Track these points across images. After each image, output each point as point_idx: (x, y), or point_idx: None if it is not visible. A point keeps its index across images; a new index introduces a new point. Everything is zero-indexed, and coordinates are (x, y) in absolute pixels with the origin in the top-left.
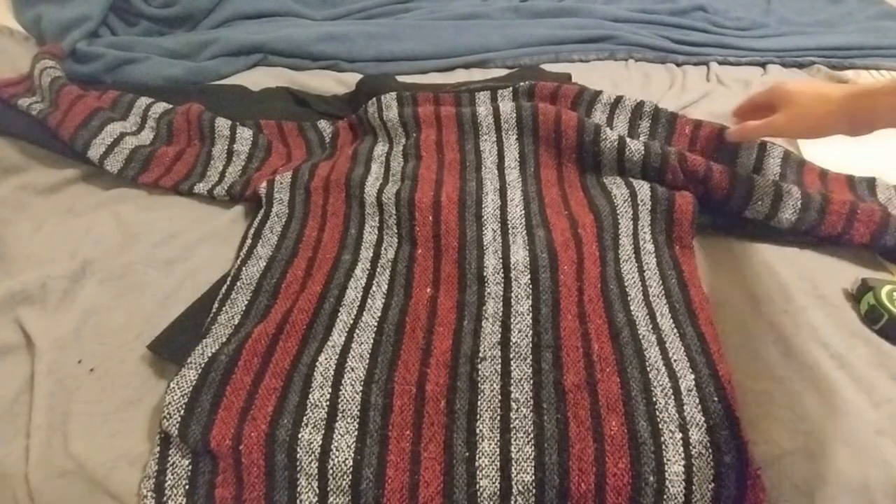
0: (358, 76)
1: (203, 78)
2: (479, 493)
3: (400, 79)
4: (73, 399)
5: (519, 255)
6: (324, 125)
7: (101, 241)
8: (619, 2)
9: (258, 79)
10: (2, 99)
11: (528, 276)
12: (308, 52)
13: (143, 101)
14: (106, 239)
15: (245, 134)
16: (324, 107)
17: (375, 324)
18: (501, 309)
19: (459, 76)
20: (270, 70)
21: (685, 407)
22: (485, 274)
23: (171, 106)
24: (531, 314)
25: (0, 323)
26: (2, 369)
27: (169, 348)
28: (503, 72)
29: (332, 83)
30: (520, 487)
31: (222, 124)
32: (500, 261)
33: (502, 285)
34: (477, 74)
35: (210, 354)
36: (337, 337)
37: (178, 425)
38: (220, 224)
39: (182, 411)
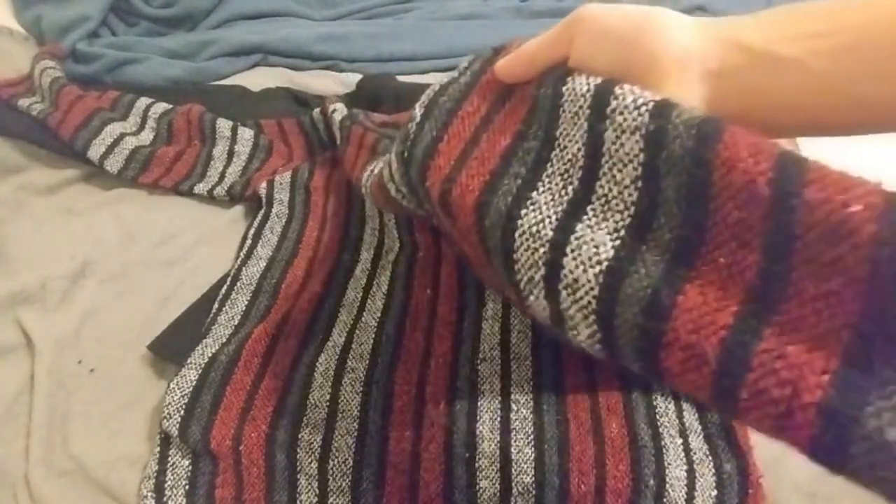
0: (358, 76)
1: (203, 78)
2: (478, 495)
3: (400, 79)
4: (73, 399)
5: None
6: (317, 115)
7: (101, 241)
8: (619, 2)
9: (258, 79)
10: (2, 99)
11: None
12: (308, 52)
13: (144, 101)
14: (106, 239)
15: (246, 135)
16: None
17: (375, 324)
18: (501, 310)
19: None
20: (270, 70)
21: (684, 413)
22: None
23: (171, 106)
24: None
25: (0, 323)
26: (2, 369)
27: (169, 348)
28: None
29: (332, 83)
30: (520, 489)
31: (224, 125)
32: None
33: None
34: None
35: (210, 355)
36: (337, 337)
37: (178, 425)
38: (220, 224)
39: (182, 411)
